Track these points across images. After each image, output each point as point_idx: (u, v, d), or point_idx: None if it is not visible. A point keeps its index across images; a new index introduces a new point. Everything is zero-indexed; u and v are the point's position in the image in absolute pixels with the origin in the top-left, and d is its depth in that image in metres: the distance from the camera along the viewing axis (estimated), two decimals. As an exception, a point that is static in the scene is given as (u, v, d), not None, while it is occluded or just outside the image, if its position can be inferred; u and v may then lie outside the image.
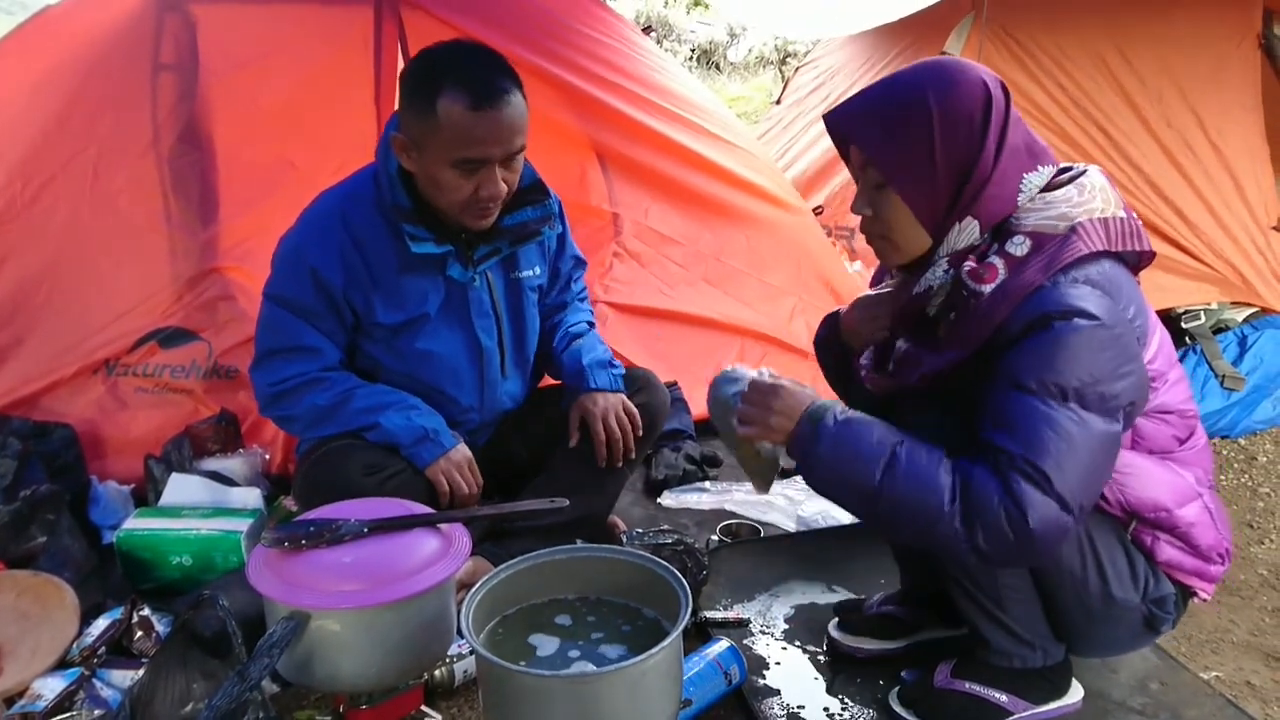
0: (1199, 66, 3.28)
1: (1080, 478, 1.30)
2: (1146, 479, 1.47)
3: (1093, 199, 1.39)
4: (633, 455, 2.02)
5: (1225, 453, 2.83)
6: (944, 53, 3.45)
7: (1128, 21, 3.33)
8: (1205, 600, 1.58)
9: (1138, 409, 1.39)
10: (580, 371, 2.04)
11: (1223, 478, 2.71)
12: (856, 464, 1.37)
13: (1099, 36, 3.31)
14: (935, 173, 1.38)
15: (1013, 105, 1.41)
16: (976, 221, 1.39)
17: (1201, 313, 3.08)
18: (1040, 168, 1.42)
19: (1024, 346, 1.32)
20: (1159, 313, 3.01)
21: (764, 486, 1.61)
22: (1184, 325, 3.05)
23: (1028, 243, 1.36)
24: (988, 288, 1.36)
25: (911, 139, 1.38)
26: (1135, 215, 1.44)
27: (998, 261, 1.36)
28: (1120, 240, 1.39)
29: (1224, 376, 2.92)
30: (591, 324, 2.24)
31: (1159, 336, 1.47)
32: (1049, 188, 1.43)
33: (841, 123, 1.47)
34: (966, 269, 1.38)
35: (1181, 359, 2.92)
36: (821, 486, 1.44)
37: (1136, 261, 1.46)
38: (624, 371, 2.12)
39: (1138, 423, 1.47)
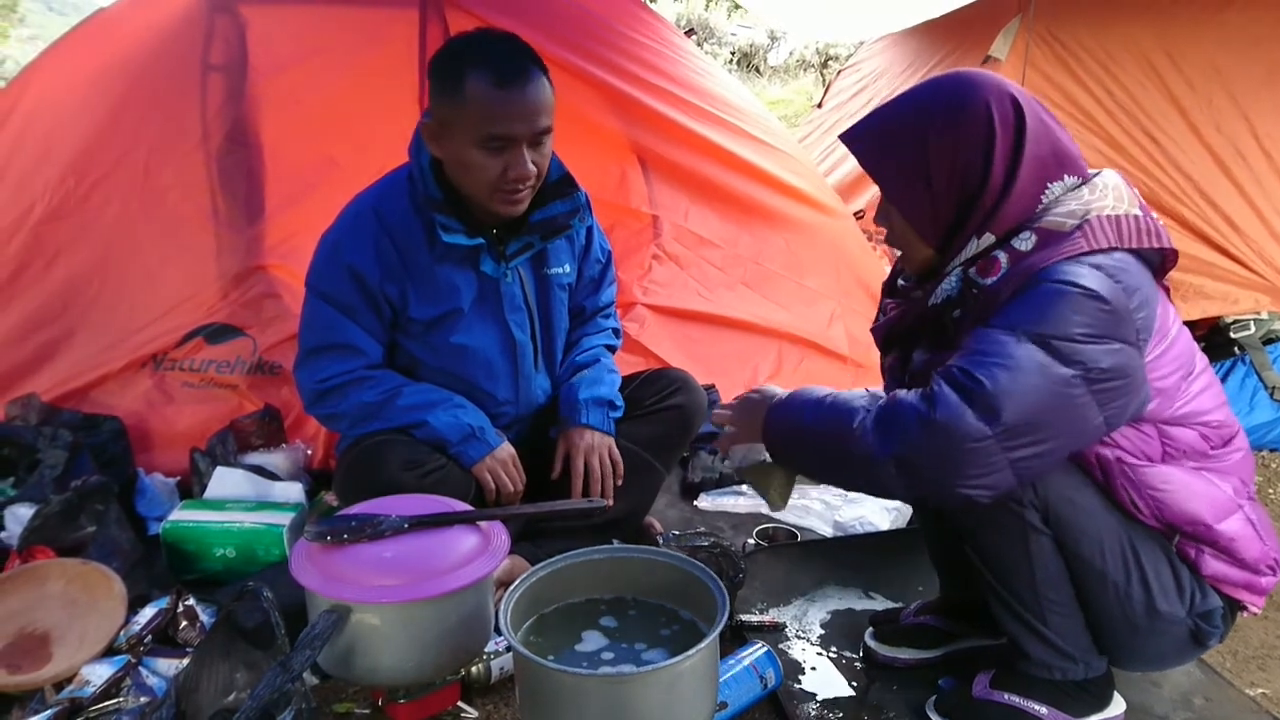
0: (1251, 70, 3.21)
1: (1016, 398, 1.26)
2: (1183, 493, 1.44)
3: (1104, 197, 1.39)
4: (610, 502, 1.97)
5: (1275, 466, 2.78)
6: (989, 57, 3.41)
7: (1177, 24, 3.27)
8: (1255, 614, 1.54)
9: (1122, 394, 1.33)
10: (574, 404, 2.04)
11: (1271, 492, 2.65)
12: (796, 415, 1.44)
13: (1147, 39, 3.26)
14: (932, 194, 1.43)
15: (1031, 117, 1.40)
16: (993, 237, 1.41)
17: (1251, 322, 3.02)
18: (1066, 177, 1.42)
19: (1008, 302, 1.35)
20: (1206, 321, 3.02)
21: (777, 499, 1.63)
22: (1233, 335, 2.99)
23: (1034, 238, 1.38)
24: (992, 279, 1.39)
25: (904, 162, 1.44)
26: (1154, 215, 1.43)
27: (1002, 256, 1.39)
28: (1135, 237, 1.38)
29: (1274, 388, 2.86)
30: (610, 346, 2.22)
31: (1177, 345, 1.42)
32: None
33: (851, 139, 1.51)
34: (973, 269, 1.42)
35: (1230, 369, 2.89)
36: (780, 450, 1.49)
37: (1160, 262, 1.44)
38: (622, 413, 2.09)
39: (1169, 430, 1.43)
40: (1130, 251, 1.38)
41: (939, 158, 1.40)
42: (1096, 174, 1.45)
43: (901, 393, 1.35)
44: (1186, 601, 1.47)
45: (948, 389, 1.29)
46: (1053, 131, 1.43)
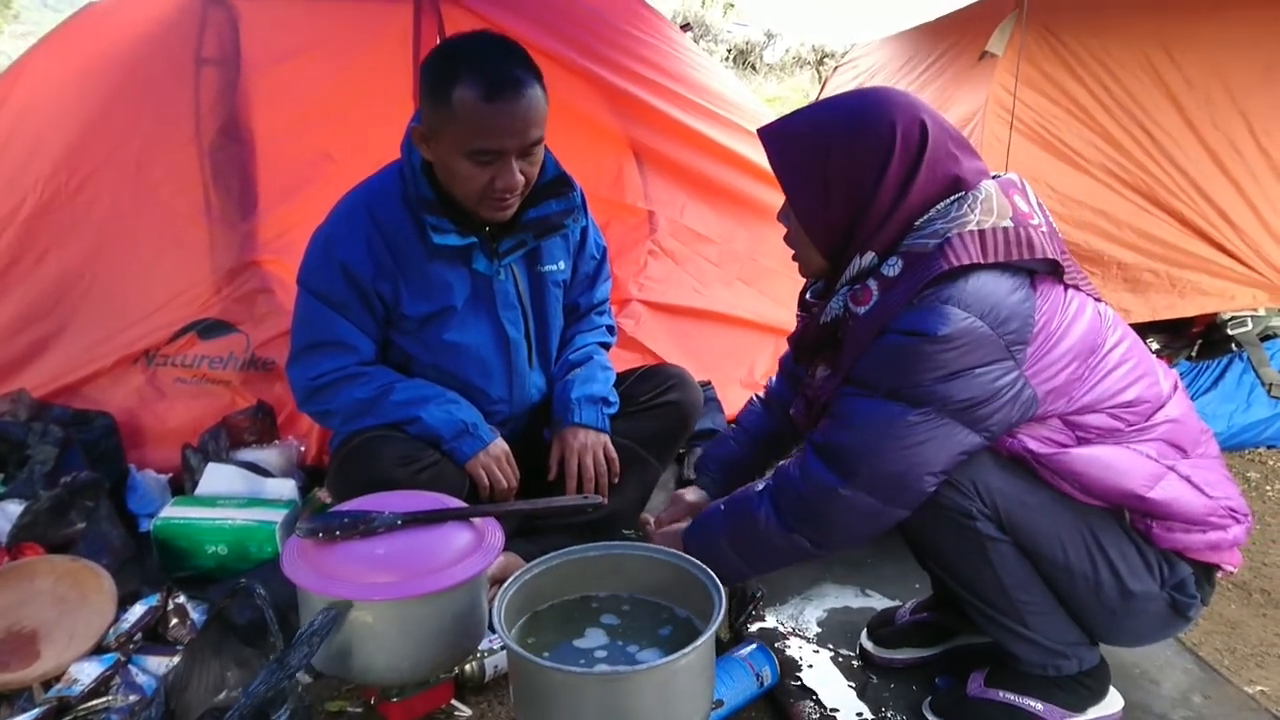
0: (1249, 68, 3.20)
1: (872, 454, 1.38)
2: (1106, 471, 1.41)
3: (970, 212, 1.37)
4: (604, 501, 1.92)
5: (1272, 463, 2.77)
6: (986, 52, 3.40)
7: (1175, 20, 3.26)
8: (1232, 571, 1.50)
9: (992, 411, 1.35)
10: (567, 404, 2.03)
11: (1269, 489, 2.65)
12: (709, 531, 1.57)
13: (1145, 36, 3.25)
14: (827, 202, 1.44)
15: (935, 145, 1.39)
16: (875, 254, 1.43)
17: (1248, 319, 3.02)
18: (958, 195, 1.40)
19: (868, 348, 1.40)
20: (1203, 318, 3.01)
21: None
22: (1230, 331, 2.99)
23: (900, 263, 1.40)
24: (863, 309, 1.42)
25: (805, 165, 1.45)
26: (1037, 224, 1.39)
27: (873, 284, 1.42)
28: (1001, 251, 1.35)
29: (1271, 385, 2.85)
30: (605, 343, 2.21)
31: (1069, 336, 1.38)
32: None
33: (766, 134, 1.51)
34: (849, 293, 1.45)
35: (1227, 366, 2.88)
36: (714, 568, 1.53)
37: (1049, 270, 1.40)
38: (617, 410, 2.08)
39: (1075, 419, 1.41)
40: (997, 265, 1.35)
41: (836, 169, 1.41)
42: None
43: (785, 465, 1.50)
44: (1157, 577, 1.45)
45: (813, 456, 1.44)
46: (958, 162, 1.42)
